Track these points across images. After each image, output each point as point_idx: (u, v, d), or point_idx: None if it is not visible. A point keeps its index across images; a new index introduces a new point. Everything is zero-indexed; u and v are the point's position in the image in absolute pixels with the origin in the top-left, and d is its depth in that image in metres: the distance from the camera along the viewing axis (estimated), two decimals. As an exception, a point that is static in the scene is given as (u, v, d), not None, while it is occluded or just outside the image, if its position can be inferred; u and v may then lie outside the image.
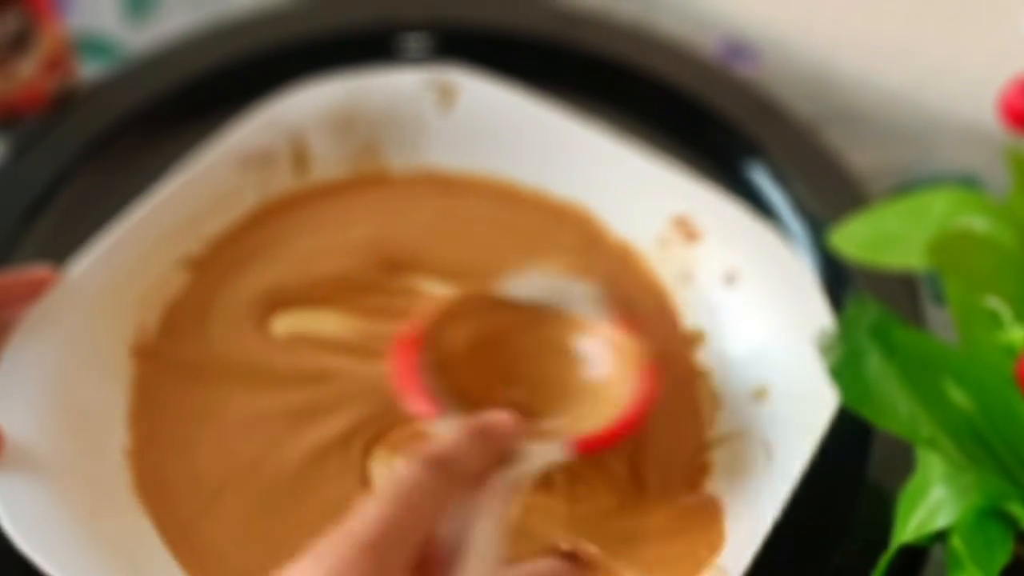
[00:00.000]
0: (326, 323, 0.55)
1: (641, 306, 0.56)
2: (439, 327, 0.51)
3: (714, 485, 0.51)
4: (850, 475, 0.52)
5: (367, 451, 0.51)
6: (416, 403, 0.49)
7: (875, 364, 0.45)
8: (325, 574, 0.34)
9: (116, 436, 0.50)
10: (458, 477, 0.39)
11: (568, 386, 0.52)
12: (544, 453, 0.45)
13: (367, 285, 0.56)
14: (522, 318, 0.53)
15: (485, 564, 0.38)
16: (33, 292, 0.51)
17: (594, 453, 0.49)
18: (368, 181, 0.60)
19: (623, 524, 0.50)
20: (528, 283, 0.53)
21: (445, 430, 0.45)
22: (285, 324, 0.55)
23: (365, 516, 0.36)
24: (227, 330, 0.54)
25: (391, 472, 0.39)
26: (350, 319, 0.55)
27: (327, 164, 0.60)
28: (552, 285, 0.53)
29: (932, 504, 0.44)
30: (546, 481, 0.49)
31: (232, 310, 0.55)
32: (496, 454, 0.41)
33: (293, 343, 0.54)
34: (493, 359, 0.52)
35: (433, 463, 0.38)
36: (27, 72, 0.63)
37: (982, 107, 0.50)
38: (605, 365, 0.52)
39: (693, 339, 0.56)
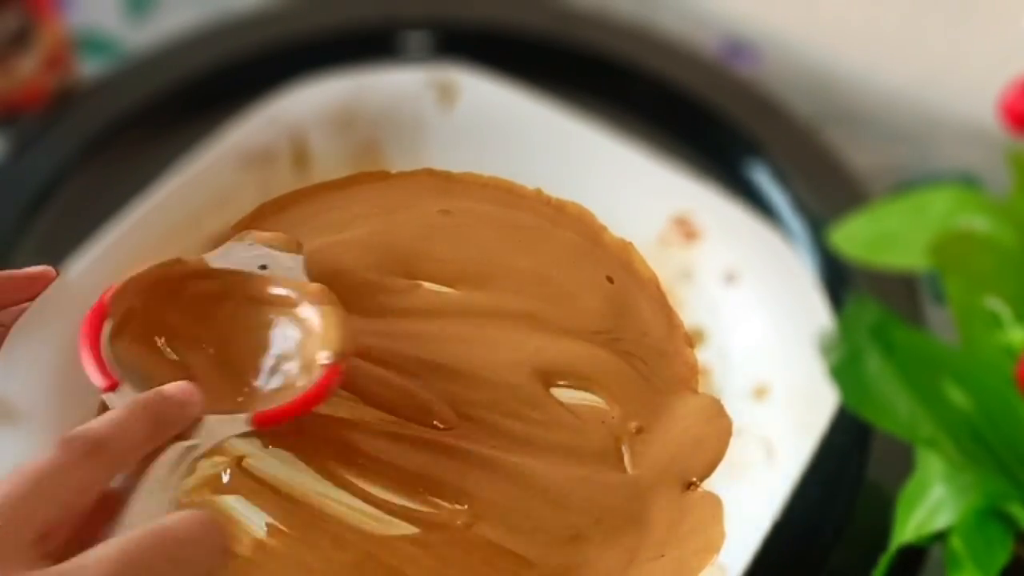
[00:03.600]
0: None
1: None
2: (130, 294, 0.49)
3: (714, 485, 0.51)
4: (850, 475, 0.52)
5: None
6: (92, 372, 0.47)
7: (875, 364, 0.45)
8: None
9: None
10: (111, 455, 0.38)
11: (249, 368, 0.50)
12: (224, 426, 0.45)
13: (367, 283, 0.56)
14: (225, 288, 0.52)
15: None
16: (31, 291, 0.50)
17: (273, 426, 0.48)
18: (368, 180, 0.60)
19: (623, 522, 0.50)
20: (231, 252, 0.52)
21: (116, 405, 0.44)
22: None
23: None
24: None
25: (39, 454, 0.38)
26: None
27: (327, 162, 0.60)
28: (256, 254, 0.52)
29: (932, 504, 0.44)
30: None
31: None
32: (167, 426, 0.41)
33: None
34: (190, 329, 0.50)
35: (74, 445, 0.38)
36: (27, 70, 0.63)
37: (982, 107, 0.50)
38: (297, 340, 0.51)
39: (693, 338, 0.56)
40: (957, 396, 0.43)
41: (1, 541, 0.35)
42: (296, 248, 0.53)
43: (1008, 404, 0.42)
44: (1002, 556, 0.42)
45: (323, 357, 0.49)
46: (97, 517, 0.39)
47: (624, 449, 0.52)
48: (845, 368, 0.44)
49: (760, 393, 0.53)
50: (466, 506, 0.49)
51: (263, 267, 0.52)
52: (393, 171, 0.61)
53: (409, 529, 0.49)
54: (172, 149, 0.58)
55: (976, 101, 0.54)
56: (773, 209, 0.61)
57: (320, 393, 0.48)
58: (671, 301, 0.57)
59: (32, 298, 0.50)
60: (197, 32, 0.67)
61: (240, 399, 0.49)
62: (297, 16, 0.68)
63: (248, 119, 0.59)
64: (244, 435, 0.47)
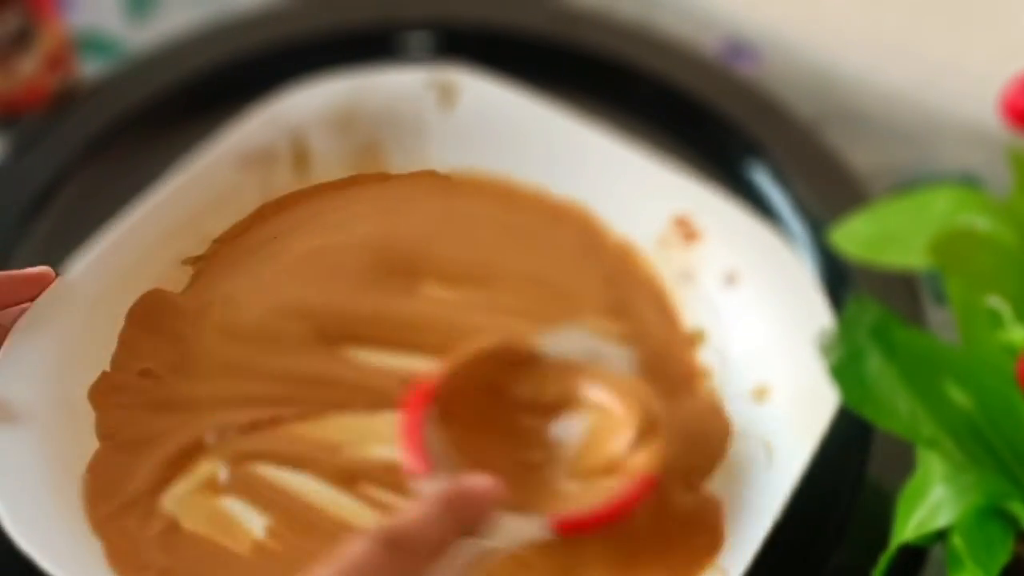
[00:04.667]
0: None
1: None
2: (459, 376, 0.50)
3: (714, 485, 0.51)
4: (850, 475, 0.52)
5: None
6: (409, 457, 0.47)
7: (875, 364, 0.45)
8: None
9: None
10: (418, 553, 0.37)
11: (574, 460, 0.50)
12: (521, 528, 0.44)
13: (367, 284, 0.56)
14: (546, 380, 0.51)
15: None
16: (31, 292, 0.50)
17: (573, 535, 0.47)
18: (369, 180, 0.60)
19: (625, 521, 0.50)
20: (565, 340, 0.52)
21: (423, 491, 0.43)
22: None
23: None
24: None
25: (346, 545, 0.37)
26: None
27: (328, 163, 0.60)
28: (589, 345, 0.52)
29: (932, 503, 0.44)
30: None
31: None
32: (466, 523, 0.39)
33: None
34: (505, 417, 0.51)
35: (390, 542, 0.37)
36: (28, 70, 0.63)
37: (982, 106, 0.50)
38: (613, 443, 0.50)
39: (693, 339, 0.56)
40: (958, 395, 0.43)
41: None
42: (626, 340, 0.53)
43: (1009, 403, 0.42)
44: (1003, 555, 0.42)
45: (635, 467, 0.48)
46: None
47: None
48: (846, 368, 0.44)
49: (760, 394, 0.53)
50: None
51: (594, 358, 0.51)
52: (393, 172, 0.61)
53: None
54: (172, 149, 0.58)
55: (977, 101, 0.54)
56: (773, 209, 0.61)
57: (630, 505, 0.48)
58: (671, 302, 0.57)
59: (32, 299, 0.50)
60: (198, 32, 0.67)
61: (536, 497, 0.48)
62: (297, 16, 0.67)
63: (248, 119, 0.59)
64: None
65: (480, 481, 0.40)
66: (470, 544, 0.39)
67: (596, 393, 0.51)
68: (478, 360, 0.51)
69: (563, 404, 0.51)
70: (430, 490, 0.39)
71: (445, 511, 0.38)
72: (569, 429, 0.51)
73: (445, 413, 0.49)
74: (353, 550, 0.36)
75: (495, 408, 0.51)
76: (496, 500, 0.40)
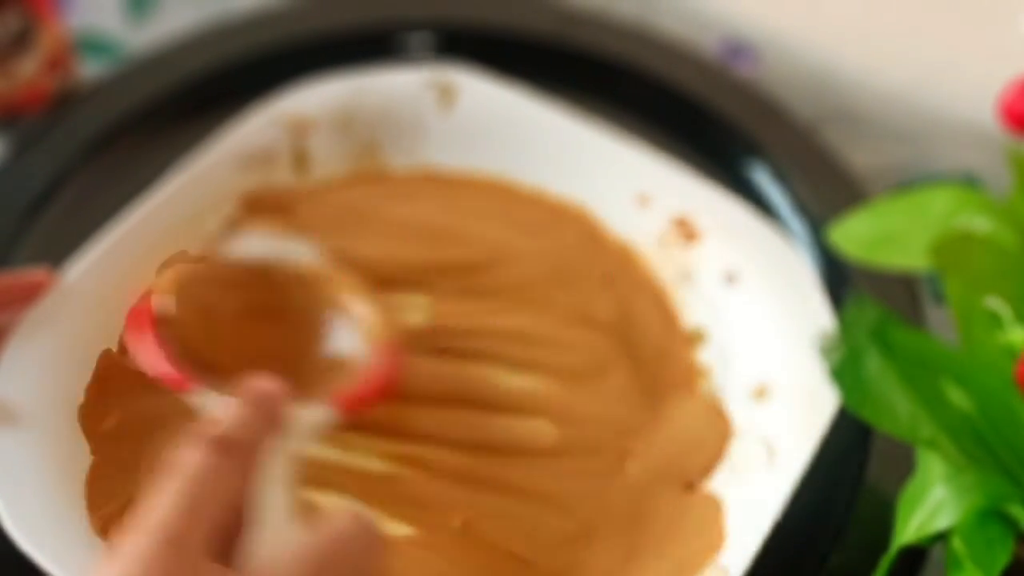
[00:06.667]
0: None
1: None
2: (177, 297, 0.49)
3: (714, 485, 0.51)
4: (850, 475, 0.52)
5: None
6: (169, 376, 0.47)
7: (875, 364, 0.45)
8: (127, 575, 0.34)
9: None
10: (244, 453, 0.38)
11: (313, 359, 0.51)
12: (311, 417, 0.44)
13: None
14: (261, 286, 0.52)
15: (277, 532, 0.38)
16: (31, 294, 0.50)
17: (358, 410, 0.48)
18: (368, 180, 0.60)
19: (623, 523, 0.50)
20: (253, 244, 0.52)
21: (212, 404, 0.45)
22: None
23: (159, 509, 0.36)
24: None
25: (175, 459, 0.38)
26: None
27: (327, 163, 0.60)
28: (271, 245, 0.52)
29: (932, 505, 0.44)
30: None
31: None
32: (270, 422, 0.40)
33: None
34: (235, 329, 0.51)
35: (219, 445, 0.38)
36: (28, 71, 0.63)
37: (982, 107, 0.50)
38: (348, 339, 0.51)
39: (693, 339, 0.56)
40: (957, 397, 0.43)
41: (182, 545, 0.35)
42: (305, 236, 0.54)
43: (1008, 405, 0.42)
44: (1003, 557, 0.43)
45: (380, 340, 0.49)
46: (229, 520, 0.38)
47: (624, 450, 0.52)
48: (845, 369, 0.44)
49: (760, 394, 0.53)
50: (464, 507, 0.49)
51: (283, 256, 0.52)
52: (393, 172, 0.61)
53: (408, 530, 0.49)
54: (173, 150, 0.58)
55: (976, 101, 0.54)
56: (773, 209, 0.61)
57: (394, 373, 0.49)
58: (671, 302, 0.57)
59: (32, 301, 0.50)
60: (198, 33, 0.67)
61: (305, 388, 0.48)
62: (297, 17, 0.67)
63: (248, 120, 0.59)
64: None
65: (265, 381, 0.41)
66: (281, 440, 0.40)
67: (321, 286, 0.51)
68: (190, 278, 0.50)
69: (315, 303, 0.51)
70: (221, 400, 0.41)
71: (254, 409, 0.40)
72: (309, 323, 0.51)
73: (177, 331, 0.48)
74: (187, 460, 0.37)
75: (222, 314, 0.50)
76: (284, 394, 0.41)
